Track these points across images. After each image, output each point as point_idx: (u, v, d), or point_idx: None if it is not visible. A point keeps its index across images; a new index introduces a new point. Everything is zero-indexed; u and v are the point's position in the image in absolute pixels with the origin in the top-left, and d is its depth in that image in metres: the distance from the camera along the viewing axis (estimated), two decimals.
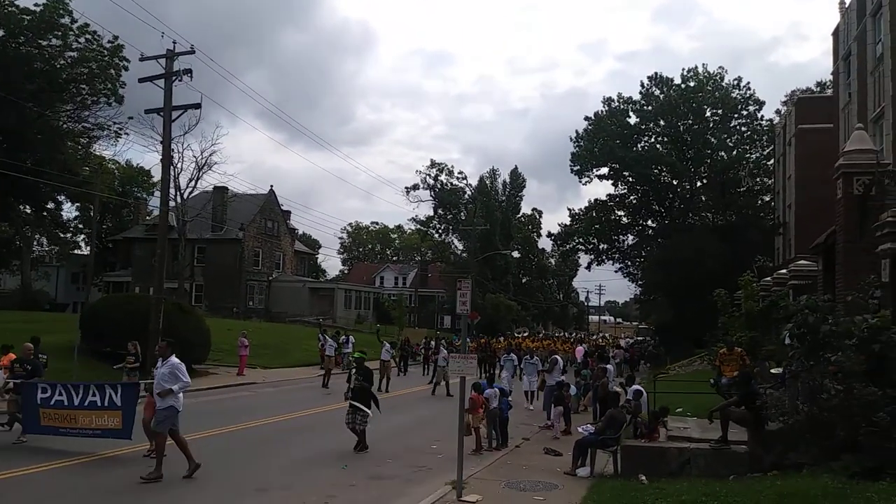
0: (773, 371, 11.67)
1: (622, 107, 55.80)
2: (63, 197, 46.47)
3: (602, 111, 56.22)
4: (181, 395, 10.56)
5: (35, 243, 55.78)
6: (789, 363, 10.92)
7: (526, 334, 49.15)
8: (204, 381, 23.61)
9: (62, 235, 58.03)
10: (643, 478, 10.24)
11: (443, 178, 73.80)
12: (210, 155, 38.01)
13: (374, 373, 14.65)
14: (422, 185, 73.34)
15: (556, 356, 19.97)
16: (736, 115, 53.46)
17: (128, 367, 17.65)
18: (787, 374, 10.83)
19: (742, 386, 10.87)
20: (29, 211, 45.03)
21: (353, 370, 13.45)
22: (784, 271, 23.89)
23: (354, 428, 12.70)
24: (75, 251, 61.36)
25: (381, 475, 11.02)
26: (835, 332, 9.96)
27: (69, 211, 55.54)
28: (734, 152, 52.85)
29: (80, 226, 60.19)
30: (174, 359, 10.65)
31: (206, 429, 14.12)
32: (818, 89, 53.01)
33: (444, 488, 9.85)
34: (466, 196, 74.50)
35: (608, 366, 18.38)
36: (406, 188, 74.12)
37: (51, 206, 45.74)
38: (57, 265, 60.37)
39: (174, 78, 21.05)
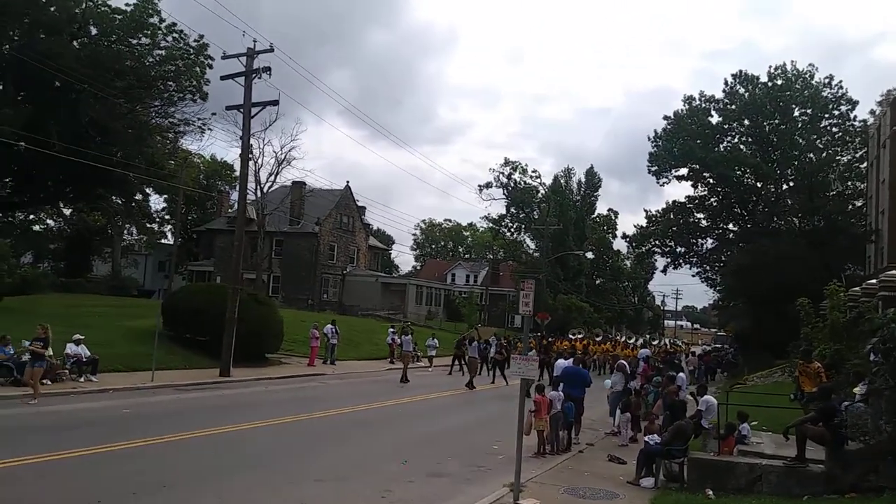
0: (855, 390, 10.97)
1: (704, 105, 53.94)
2: (150, 189, 48.73)
3: (682, 110, 54.53)
4: None
5: (125, 232, 58.85)
6: (872, 380, 10.29)
7: (581, 336, 43.45)
8: (275, 371, 24.31)
9: (149, 225, 61.01)
10: (710, 492, 9.85)
11: (516, 176, 72.98)
12: (289, 150, 39.22)
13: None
14: (495, 184, 72.85)
15: (623, 361, 19.44)
16: (826, 115, 50.81)
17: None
18: (870, 392, 10.18)
19: (821, 401, 10.30)
20: (120, 202, 47.47)
21: None
22: (874, 281, 22.51)
23: None
24: (162, 241, 64.39)
25: (441, 472, 11.01)
26: None
27: (156, 202, 58.31)
28: (824, 154, 50.28)
29: (167, 217, 63.05)
30: None
31: (273, 417, 14.51)
32: None
33: (501, 490, 9.73)
34: (540, 195, 73.54)
35: (680, 373, 17.79)
36: (479, 186, 73.72)
37: (139, 197, 48.05)
38: (145, 253, 63.42)
39: (253, 75, 21.66)
